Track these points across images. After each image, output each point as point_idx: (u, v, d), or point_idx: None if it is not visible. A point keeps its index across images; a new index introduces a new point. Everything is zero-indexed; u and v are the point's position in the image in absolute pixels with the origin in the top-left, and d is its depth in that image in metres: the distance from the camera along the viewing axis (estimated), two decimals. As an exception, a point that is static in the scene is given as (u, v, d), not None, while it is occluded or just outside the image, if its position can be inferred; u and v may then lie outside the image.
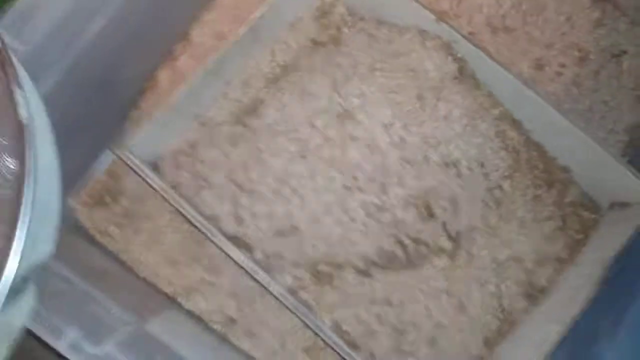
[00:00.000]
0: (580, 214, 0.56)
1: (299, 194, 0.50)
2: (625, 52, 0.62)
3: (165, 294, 0.50)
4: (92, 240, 0.51)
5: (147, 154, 0.52)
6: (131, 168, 0.48)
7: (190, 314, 0.50)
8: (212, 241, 0.47)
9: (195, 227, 0.47)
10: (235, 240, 0.49)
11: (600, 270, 0.49)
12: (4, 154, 0.25)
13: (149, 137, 0.50)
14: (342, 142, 0.50)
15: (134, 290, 0.48)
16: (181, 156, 0.53)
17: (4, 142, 0.26)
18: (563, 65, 0.62)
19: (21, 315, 0.26)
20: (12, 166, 0.25)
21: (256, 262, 0.48)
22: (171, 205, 0.48)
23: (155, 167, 0.52)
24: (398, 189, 0.50)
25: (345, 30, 0.58)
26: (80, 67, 0.45)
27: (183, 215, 0.48)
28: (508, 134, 0.54)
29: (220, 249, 0.47)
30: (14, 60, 0.27)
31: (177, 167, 0.52)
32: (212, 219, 0.50)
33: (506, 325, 0.53)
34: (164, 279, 0.51)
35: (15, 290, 0.23)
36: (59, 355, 0.35)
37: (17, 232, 0.23)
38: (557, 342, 0.47)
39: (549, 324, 0.49)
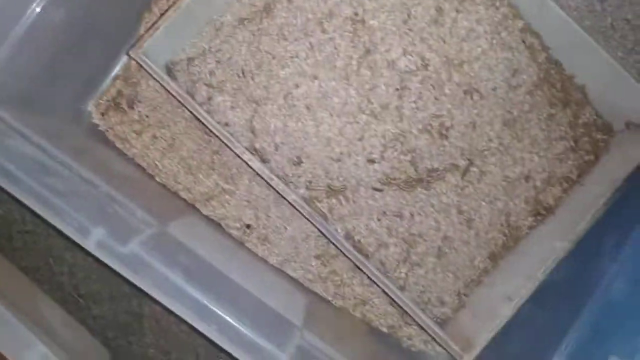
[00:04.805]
0: (592, 135, 0.56)
1: (313, 113, 0.49)
2: (653, -34, 0.60)
3: (184, 200, 0.51)
4: (111, 146, 0.51)
5: (161, 59, 0.50)
6: (147, 71, 0.47)
7: (208, 219, 0.51)
8: (229, 148, 0.47)
9: (213, 133, 0.47)
10: (251, 148, 0.50)
11: (609, 191, 0.50)
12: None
13: (162, 41, 0.49)
14: (355, 53, 0.49)
15: (154, 195, 0.49)
16: (194, 62, 0.52)
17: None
18: (588, -20, 0.60)
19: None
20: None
21: (272, 170, 0.49)
22: (188, 110, 0.47)
23: (170, 71, 0.51)
24: (415, 114, 0.49)
25: None
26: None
27: (200, 122, 0.48)
28: (536, 47, 0.53)
29: (238, 155, 0.47)
30: None
31: (190, 73, 0.51)
32: (227, 127, 0.50)
33: (511, 241, 0.54)
34: (182, 186, 0.51)
35: None
36: (88, 253, 0.36)
37: None
38: (561, 258, 0.49)
39: (554, 241, 0.50)
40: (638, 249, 0.47)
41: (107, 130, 0.51)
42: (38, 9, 0.41)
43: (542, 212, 0.55)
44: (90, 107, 0.52)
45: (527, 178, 0.54)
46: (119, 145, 0.51)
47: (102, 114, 0.51)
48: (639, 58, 0.60)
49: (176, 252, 0.39)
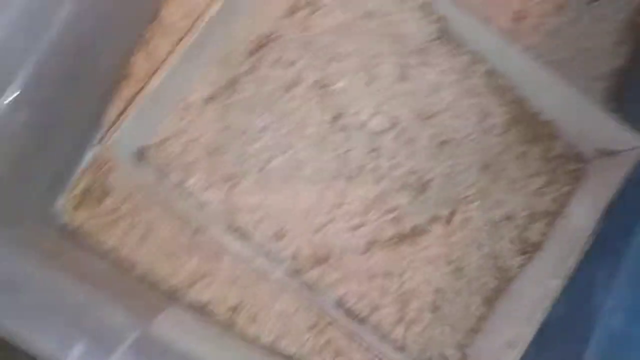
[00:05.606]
0: (566, 166, 0.56)
1: (290, 184, 0.49)
2: (602, -4, 0.61)
3: (166, 289, 0.49)
4: (85, 243, 0.49)
5: (131, 145, 0.50)
6: (116, 163, 0.46)
7: (192, 306, 0.49)
8: (207, 231, 0.46)
9: (188, 219, 0.46)
10: (230, 228, 0.49)
11: (593, 222, 0.50)
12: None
13: (131, 128, 0.48)
14: (325, 119, 0.49)
15: (134, 290, 0.47)
16: (166, 144, 0.51)
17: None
18: (542, 15, 0.61)
19: None
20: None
21: (253, 248, 0.48)
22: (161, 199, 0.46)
23: (141, 157, 0.50)
24: (392, 172, 0.49)
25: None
26: (50, 60, 0.42)
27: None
28: (501, 89, 0.53)
29: (216, 240, 0.46)
30: None
31: (163, 156, 0.50)
32: (204, 208, 0.49)
33: (503, 282, 0.54)
34: (162, 274, 0.50)
35: None
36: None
37: None
38: (556, 296, 0.48)
39: (546, 278, 0.50)
40: (631, 277, 0.47)
41: (79, 227, 0.50)
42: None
43: (529, 250, 0.54)
44: (59, 205, 0.50)
45: (509, 218, 0.54)
46: (92, 241, 0.49)
47: (73, 211, 0.50)
48: (600, 85, 0.61)
49: (163, 353, 0.37)
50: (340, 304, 0.49)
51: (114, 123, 0.48)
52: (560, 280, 0.49)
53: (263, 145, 0.50)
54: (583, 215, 0.52)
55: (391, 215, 0.49)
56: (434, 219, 0.51)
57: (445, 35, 0.54)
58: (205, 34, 0.50)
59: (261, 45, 0.53)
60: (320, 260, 0.49)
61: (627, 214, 0.50)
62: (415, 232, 0.50)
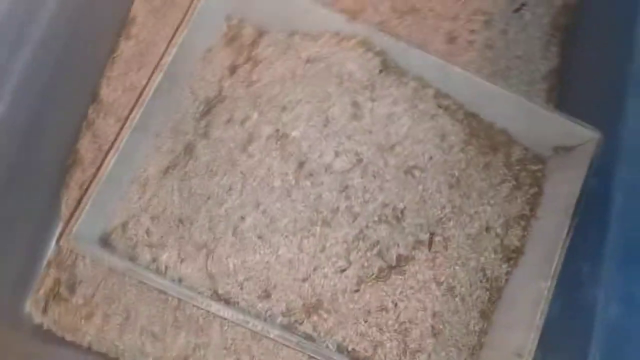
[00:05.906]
0: (528, 168, 0.58)
1: (267, 240, 0.48)
2: (524, 4, 0.65)
3: (158, 373, 0.47)
4: (63, 342, 0.46)
5: (94, 233, 0.47)
6: (80, 254, 0.44)
7: (190, 384, 0.47)
8: (193, 304, 0.44)
9: (171, 295, 0.44)
10: (214, 296, 0.47)
11: (566, 218, 0.51)
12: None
13: (90, 216, 0.46)
14: (289, 169, 0.49)
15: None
16: (129, 224, 0.49)
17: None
18: (473, 32, 0.64)
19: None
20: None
21: (244, 311, 0.46)
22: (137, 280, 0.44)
23: (105, 243, 0.48)
24: (366, 208, 0.49)
25: (259, 48, 0.56)
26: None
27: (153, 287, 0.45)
28: (452, 107, 0.55)
29: (204, 310, 0.44)
30: None
31: (128, 237, 0.49)
32: (183, 282, 0.47)
33: (496, 293, 0.54)
34: (151, 357, 0.47)
35: None
36: None
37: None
38: (550, 298, 0.48)
39: (535, 281, 0.50)
40: (615, 262, 0.48)
41: (54, 326, 0.47)
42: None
43: (512, 256, 0.55)
44: (29, 306, 0.47)
45: (487, 229, 0.55)
46: (70, 338, 0.46)
47: (43, 311, 0.47)
48: (540, 86, 0.64)
49: None
50: (341, 348, 0.48)
51: (72, 214, 0.46)
52: (548, 281, 0.49)
53: (231, 206, 0.49)
54: (555, 213, 0.53)
55: (374, 250, 0.49)
56: (416, 245, 0.51)
57: (388, 67, 0.55)
58: (150, 106, 0.49)
59: (210, 108, 0.53)
60: (313, 309, 0.48)
61: (597, 205, 0.51)
62: (401, 262, 0.50)
